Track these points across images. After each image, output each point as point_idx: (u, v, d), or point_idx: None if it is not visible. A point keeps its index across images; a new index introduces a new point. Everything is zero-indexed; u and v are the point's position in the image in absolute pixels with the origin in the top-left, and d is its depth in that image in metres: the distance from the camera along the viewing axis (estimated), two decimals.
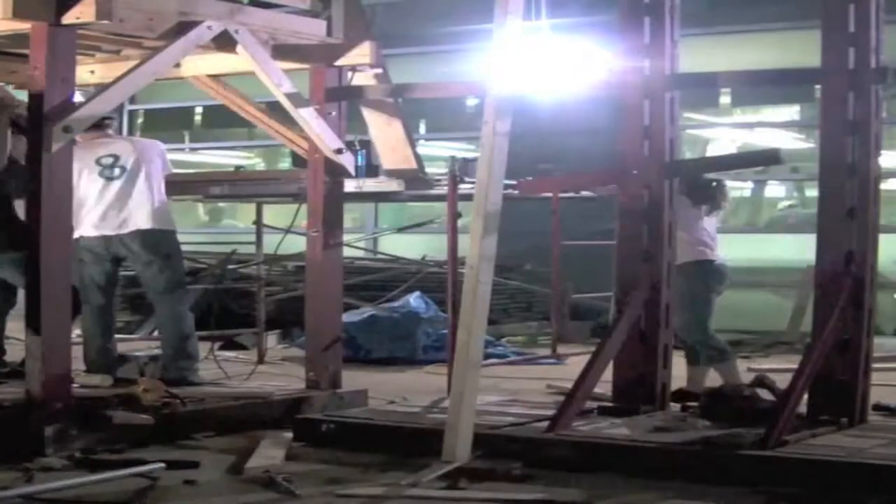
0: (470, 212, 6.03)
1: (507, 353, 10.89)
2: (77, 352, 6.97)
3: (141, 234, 7.72)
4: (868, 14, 6.16)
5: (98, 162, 7.73)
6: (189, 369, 7.76)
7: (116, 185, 7.72)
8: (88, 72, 7.52)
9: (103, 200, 7.70)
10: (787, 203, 15.32)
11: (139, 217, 7.74)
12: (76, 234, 7.57)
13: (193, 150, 18.55)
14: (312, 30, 7.26)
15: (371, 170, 9.25)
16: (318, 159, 7.53)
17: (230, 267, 11.84)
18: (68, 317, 6.42)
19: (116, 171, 7.74)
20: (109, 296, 7.90)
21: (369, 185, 8.95)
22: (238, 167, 11.87)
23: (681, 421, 6.33)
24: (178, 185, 8.90)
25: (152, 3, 6.47)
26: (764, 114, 15.05)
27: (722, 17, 13.52)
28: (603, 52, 6.92)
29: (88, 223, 7.69)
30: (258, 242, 10.48)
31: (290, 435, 6.57)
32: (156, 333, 10.44)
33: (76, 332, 7.86)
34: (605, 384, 6.78)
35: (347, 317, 9.91)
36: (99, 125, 7.54)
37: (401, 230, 13.23)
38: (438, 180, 8.56)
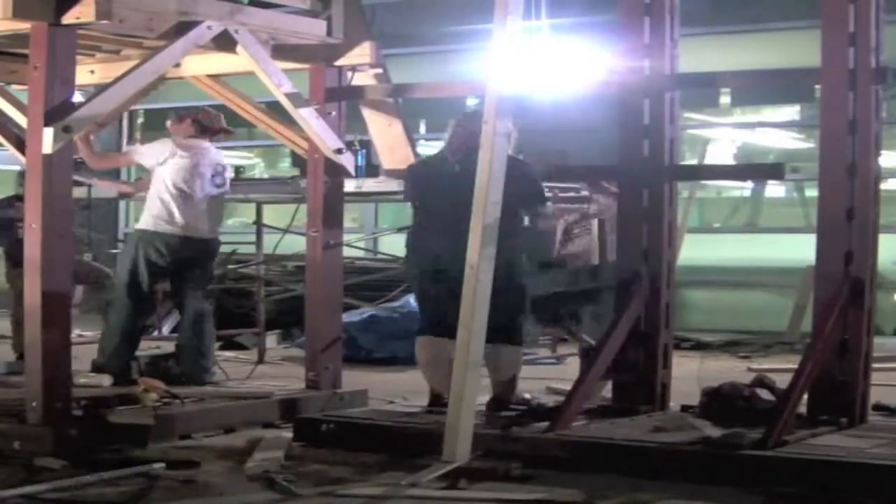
0: None
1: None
2: (75, 351, 6.95)
3: (215, 241, 8.18)
4: (868, 14, 6.16)
5: (215, 169, 8.08)
6: (209, 371, 7.97)
7: (218, 194, 8.11)
8: (88, 72, 7.53)
9: (210, 206, 8.03)
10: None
11: (218, 225, 8.23)
12: (153, 227, 7.84)
13: None
14: (312, 30, 7.26)
15: (371, 170, 9.26)
16: (318, 159, 7.53)
17: (230, 267, 11.84)
18: (69, 316, 6.42)
19: (221, 180, 8.12)
20: (152, 291, 8.20)
21: (369, 184, 8.96)
22: (238, 167, 11.84)
23: (681, 421, 6.33)
24: None
25: (152, 3, 6.47)
26: (764, 114, 15.05)
27: (722, 17, 13.52)
28: (603, 52, 6.92)
29: (184, 221, 7.87)
30: (258, 242, 10.48)
31: (290, 435, 6.57)
32: (162, 332, 10.50)
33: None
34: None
35: (347, 317, 9.91)
36: (217, 131, 8.17)
37: (401, 230, 13.23)
38: None
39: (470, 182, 6.00)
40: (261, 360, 10.12)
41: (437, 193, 6.85)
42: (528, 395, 6.86)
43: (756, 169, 9.17)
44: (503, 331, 6.52)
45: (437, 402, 6.72)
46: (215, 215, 8.13)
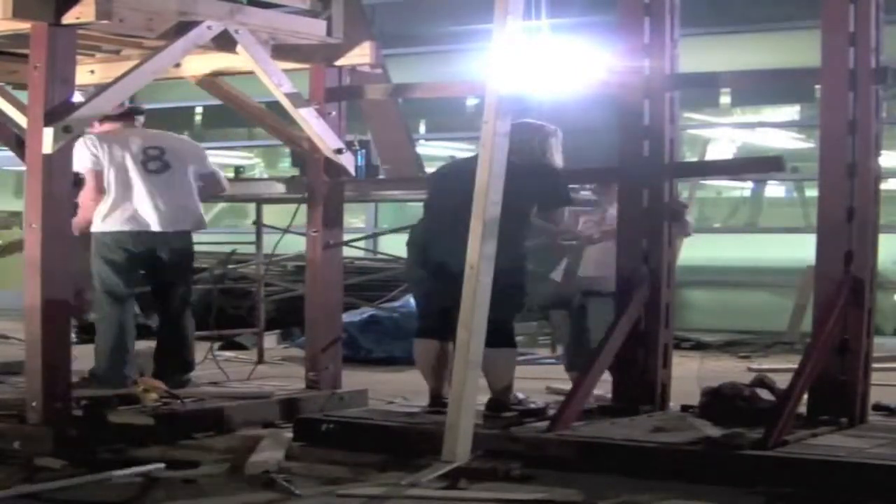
0: None
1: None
2: (75, 351, 6.93)
3: (176, 235, 7.57)
4: (868, 14, 6.16)
5: (146, 153, 7.50)
6: (186, 379, 7.63)
7: (162, 179, 7.50)
8: (88, 72, 7.52)
9: (149, 194, 7.44)
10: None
11: (185, 217, 7.61)
12: (104, 228, 7.40)
13: None
14: (312, 30, 7.26)
15: (371, 170, 9.26)
16: (317, 159, 7.53)
17: (230, 266, 11.83)
18: (69, 316, 6.41)
19: (158, 165, 7.52)
20: (131, 302, 7.62)
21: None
22: (238, 167, 11.83)
23: (681, 421, 6.33)
24: None
25: (152, 3, 6.47)
26: (764, 114, 15.06)
27: (722, 17, 13.52)
28: (603, 52, 6.92)
29: (125, 217, 7.41)
30: (258, 242, 10.48)
31: (290, 435, 6.57)
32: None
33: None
34: (604, 384, 6.78)
35: (347, 317, 9.92)
36: (123, 116, 7.57)
37: (401, 230, 13.23)
38: None
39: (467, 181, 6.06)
40: (261, 360, 10.12)
41: (443, 194, 6.91)
42: (521, 395, 6.84)
43: (756, 163, 9.13)
44: (498, 333, 6.26)
45: (438, 401, 6.72)
46: (172, 205, 7.50)
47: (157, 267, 7.60)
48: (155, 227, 7.47)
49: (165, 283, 7.66)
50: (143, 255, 7.51)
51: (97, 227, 7.48)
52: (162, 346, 7.71)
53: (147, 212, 7.46)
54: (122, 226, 7.45)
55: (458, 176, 6.73)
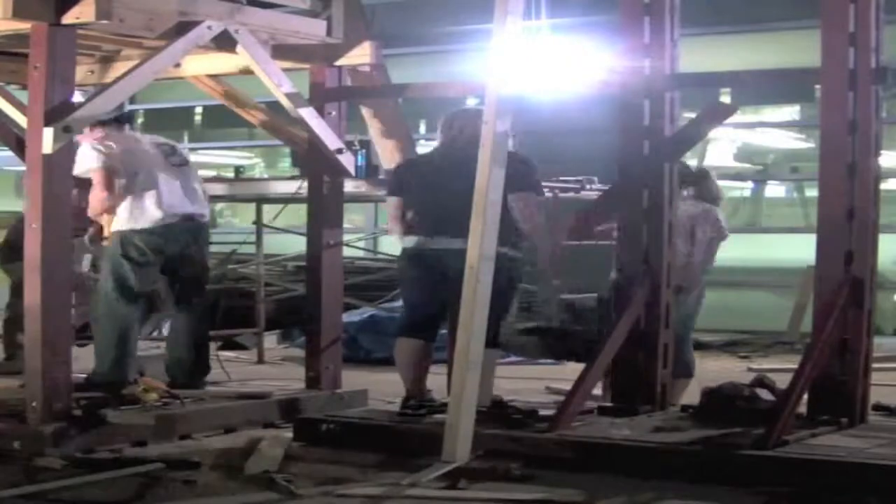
0: None
1: (507, 353, 10.87)
2: (74, 351, 6.92)
3: (207, 225, 7.56)
4: (868, 14, 6.16)
5: (160, 149, 7.42)
6: (203, 382, 7.56)
7: (184, 172, 7.45)
8: (88, 72, 7.52)
9: (179, 182, 7.35)
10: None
11: (206, 207, 7.55)
12: (133, 226, 7.20)
13: (193, 150, 18.57)
14: (312, 30, 7.26)
15: (371, 170, 9.27)
16: (317, 159, 7.52)
17: (230, 267, 11.84)
18: (68, 317, 6.41)
19: (179, 158, 7.47)
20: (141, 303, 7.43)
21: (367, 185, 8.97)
22: (238, 167, 11.85)
23: (681, 421, 6.33)
24: None
25: (152, 3, 6.47)
26: (764, 114, 15.06)
27: (722, 17, 13.52)
28: (603, 52, 6.92)
29: (161, 208, 7.22)
30: (258, 242, 10.48)
31: (290, 435, 6.58)
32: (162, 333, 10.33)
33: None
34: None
35: (347, 317, 9.92)
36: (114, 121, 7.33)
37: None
38: None
39: (453, 175, 6.34)
40: (261, 360, 10.12)
41: (420, 191, 6.94)
42: (499, 396, 6.81)
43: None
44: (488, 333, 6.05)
45: (417, 402, 6.73)
46: (198, 196, 7.48)
47: (186, 257, 7.41)
48: (190, 216, 7.36)
49: (189, 278, 7.48)
50: (177, 246, 7.34)
51: (123, 225, 7.24)
52: (182, 348, 7.56)
53: (181, 203, 7.32)
54: (154, 222, 7.22)
55: (425, 171, 6.92)
